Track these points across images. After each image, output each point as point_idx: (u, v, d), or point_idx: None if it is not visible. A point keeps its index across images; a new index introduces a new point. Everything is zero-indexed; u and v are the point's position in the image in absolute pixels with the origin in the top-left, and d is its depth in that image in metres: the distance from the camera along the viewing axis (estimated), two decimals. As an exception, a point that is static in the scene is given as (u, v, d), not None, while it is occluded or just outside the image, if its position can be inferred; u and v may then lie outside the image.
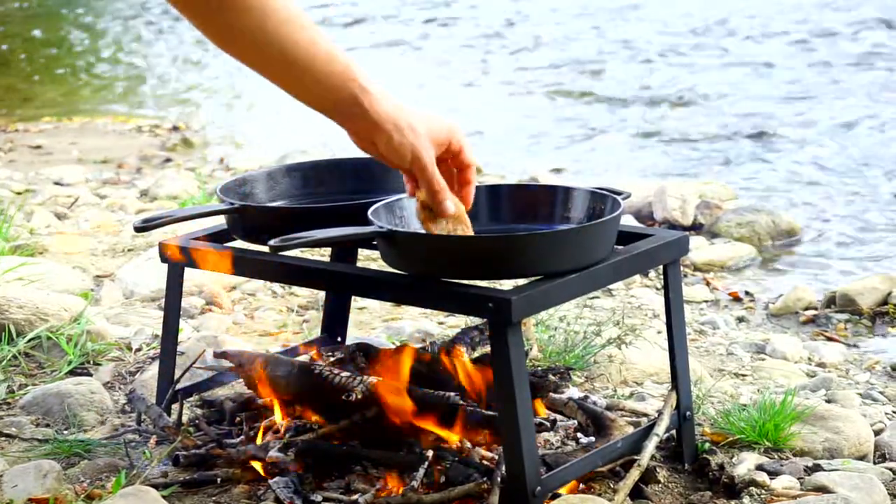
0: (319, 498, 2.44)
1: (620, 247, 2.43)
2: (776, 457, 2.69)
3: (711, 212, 5.39)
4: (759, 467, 2.62)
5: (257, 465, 2.54)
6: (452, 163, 2.32)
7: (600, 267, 2.32)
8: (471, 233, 2.35)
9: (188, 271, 2.78)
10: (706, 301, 4.37)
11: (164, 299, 2.81)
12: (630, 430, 2.60)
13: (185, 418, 2.82)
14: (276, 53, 2.11)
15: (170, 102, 9.45)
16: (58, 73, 10.88)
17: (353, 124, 2.19)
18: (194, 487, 2.57)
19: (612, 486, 2.53)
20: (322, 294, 3.13)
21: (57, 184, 6.24)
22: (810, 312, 4.22)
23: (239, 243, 2.72)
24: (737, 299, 4.43)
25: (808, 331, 4.08)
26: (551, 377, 2.63)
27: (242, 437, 2.70)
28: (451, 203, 2.29)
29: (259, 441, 2.64)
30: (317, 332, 3.22)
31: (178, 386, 2.84)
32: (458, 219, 2.33)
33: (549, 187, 2.60)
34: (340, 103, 2.17)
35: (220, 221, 2.78)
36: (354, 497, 2.43)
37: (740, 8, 11.12)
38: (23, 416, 3.03)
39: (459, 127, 2.30)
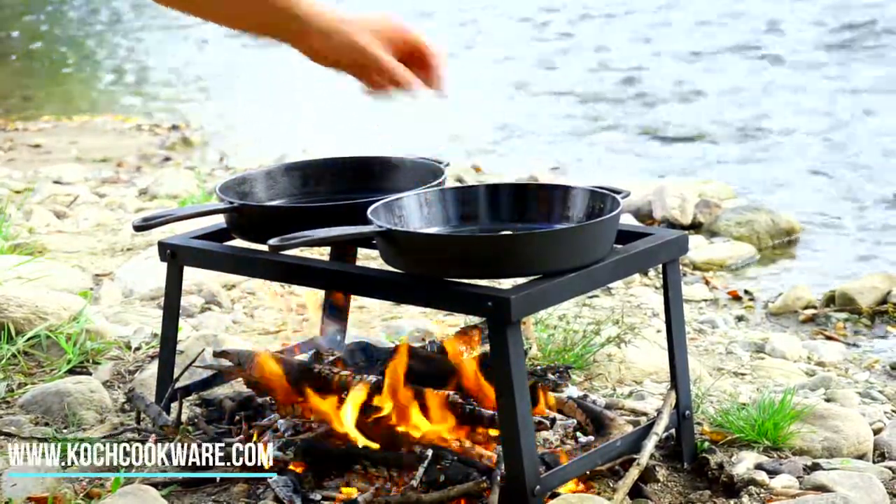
0: (319, 497, 2.44)
1: (620, 246, 2.43)
2: (775, 456, 2.69)
3: (711, 210, 5.39)
4: (759, 466, 2.62)
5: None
6: (415, 56, 2.30)
7: (599, 266, 2.32)
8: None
9: (187, 270, 2.78)
10: (705, 300, 4.37)
11: (163, 298, 2.81)
12: (629, 429, 2.60)
13: (184, 417, 2.82)
14: None
15: (170, 101, 9.45)
16: (60, 72, 10.88)
17: (292, 36, 2.21)
18: (193, 486, 2.57)
19: (611, 485, 2.53)
20: (322, 293, 3.13)
21: (56, 182, 6.24)
22: (810, 311, 4.22)
23: (238, 242, 2.72)
24: (736, 298, 4.43)
25: (808, 330, 4.09)
26: (550, 376, 2.63)
27: (241, 435, 2.70)
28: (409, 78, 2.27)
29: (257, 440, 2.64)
30: (316, 331, 3.21)
31: (178, 385, 2.83)
32: None
33: (548, 186, 2.59)
34: (279, 15, 2.18)
35: (219, 220, 2.78)
36: (354, 496, 2.43)
37: (742, 6, 11.12)
38: (22, 414, 3.03)
39: (406, 22, 2.29)
